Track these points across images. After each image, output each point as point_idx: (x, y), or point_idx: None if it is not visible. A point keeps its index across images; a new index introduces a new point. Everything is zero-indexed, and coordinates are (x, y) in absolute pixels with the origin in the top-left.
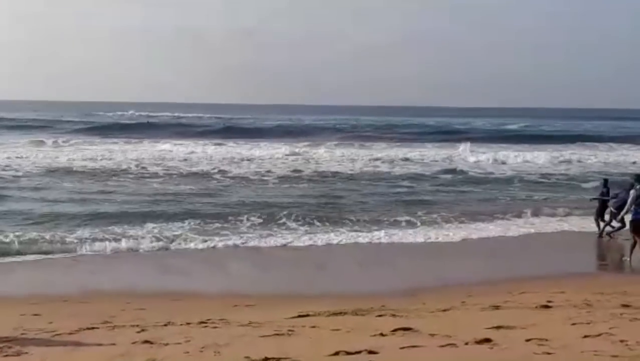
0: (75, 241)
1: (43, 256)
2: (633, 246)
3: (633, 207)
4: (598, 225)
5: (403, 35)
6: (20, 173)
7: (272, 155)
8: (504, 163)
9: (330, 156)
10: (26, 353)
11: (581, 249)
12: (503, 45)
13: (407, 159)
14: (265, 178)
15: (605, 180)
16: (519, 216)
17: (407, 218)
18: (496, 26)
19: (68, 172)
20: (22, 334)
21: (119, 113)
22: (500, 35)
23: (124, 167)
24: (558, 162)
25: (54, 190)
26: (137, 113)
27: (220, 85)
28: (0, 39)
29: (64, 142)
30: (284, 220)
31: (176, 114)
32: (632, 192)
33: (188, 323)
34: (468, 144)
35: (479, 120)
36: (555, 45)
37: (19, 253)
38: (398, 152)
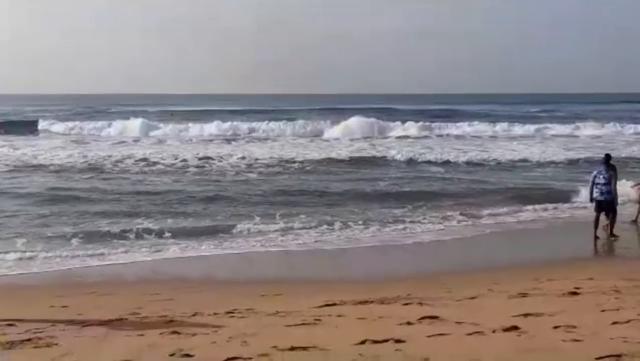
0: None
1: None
2: (606, 225)
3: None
4: None
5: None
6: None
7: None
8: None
9: None
10: (56, 344)
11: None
12: None
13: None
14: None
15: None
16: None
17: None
18: None
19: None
20: (52, 325)
21: None
22: None
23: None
24: None
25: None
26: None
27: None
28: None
29: None
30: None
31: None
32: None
33: (215, 314)
34: None
35: None
36: None
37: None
38: None
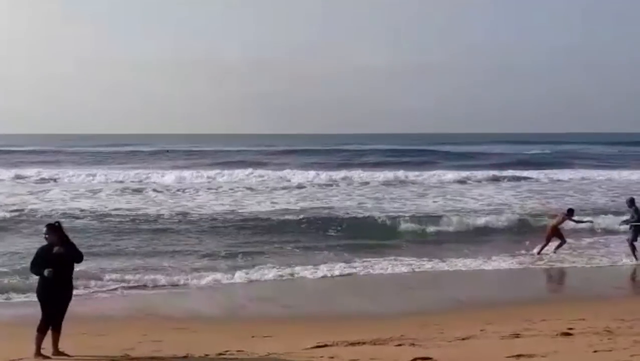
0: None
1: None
2: None
3: None
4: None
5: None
6: None
7: None
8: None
9: None
10: None
11: (599, 276)
12: None
13: None
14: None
15: (632, 200)
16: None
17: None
18: None
19: None
20: None
21: None
22: None
23: None
24: None
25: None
26: None
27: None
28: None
29: None
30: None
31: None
32: None
33: (206, 355)
34: None
35: None
36: None
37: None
38: None
